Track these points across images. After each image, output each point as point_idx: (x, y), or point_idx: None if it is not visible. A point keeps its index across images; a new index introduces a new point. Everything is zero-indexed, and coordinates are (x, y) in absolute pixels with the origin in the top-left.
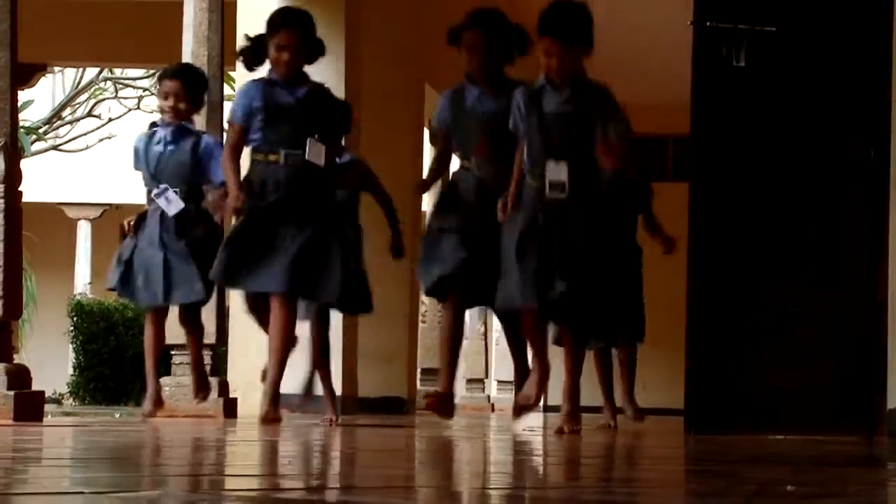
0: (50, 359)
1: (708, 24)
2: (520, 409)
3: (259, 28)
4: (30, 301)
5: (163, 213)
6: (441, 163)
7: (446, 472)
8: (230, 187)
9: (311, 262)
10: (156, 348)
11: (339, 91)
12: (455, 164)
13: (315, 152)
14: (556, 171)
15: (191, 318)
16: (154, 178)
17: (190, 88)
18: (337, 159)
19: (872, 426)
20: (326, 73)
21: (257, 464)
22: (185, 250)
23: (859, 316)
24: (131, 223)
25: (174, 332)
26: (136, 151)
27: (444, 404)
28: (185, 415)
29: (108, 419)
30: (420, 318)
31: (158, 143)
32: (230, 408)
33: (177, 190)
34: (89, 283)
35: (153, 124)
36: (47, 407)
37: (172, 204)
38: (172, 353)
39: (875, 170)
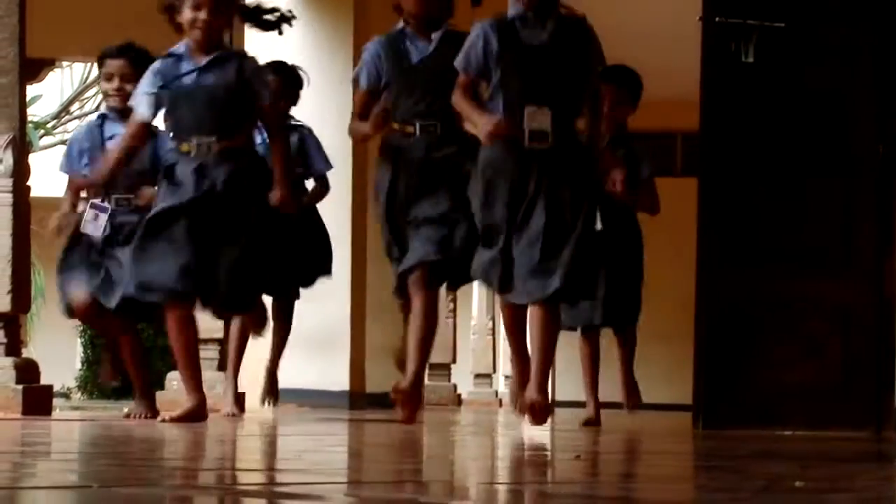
0: (58, 353)
1: (717, 19)
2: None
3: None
4: (38, 295)
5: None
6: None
7: (454, 466)
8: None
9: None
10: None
11: (346, 87)
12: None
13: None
14: (538, 118)
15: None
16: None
17: (136, 67)
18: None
19: (881, 422)
20: (334, 70)
21: (264, 458)
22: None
23: (868, 311)
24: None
25: None
26: (76, 142)
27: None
28: None
29: (116, 414)
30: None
31: (113, 139)
32: (237, 403)
33: (130, 197)
34: None
35: (102, 115)
36: (55, 401)
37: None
38: None
39: (883, 166)
